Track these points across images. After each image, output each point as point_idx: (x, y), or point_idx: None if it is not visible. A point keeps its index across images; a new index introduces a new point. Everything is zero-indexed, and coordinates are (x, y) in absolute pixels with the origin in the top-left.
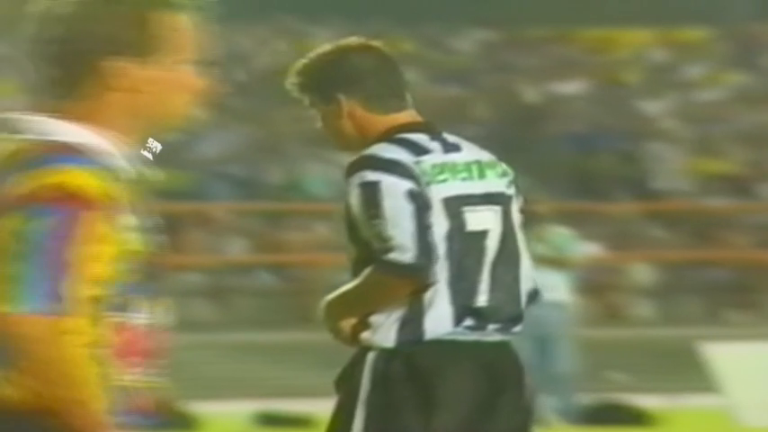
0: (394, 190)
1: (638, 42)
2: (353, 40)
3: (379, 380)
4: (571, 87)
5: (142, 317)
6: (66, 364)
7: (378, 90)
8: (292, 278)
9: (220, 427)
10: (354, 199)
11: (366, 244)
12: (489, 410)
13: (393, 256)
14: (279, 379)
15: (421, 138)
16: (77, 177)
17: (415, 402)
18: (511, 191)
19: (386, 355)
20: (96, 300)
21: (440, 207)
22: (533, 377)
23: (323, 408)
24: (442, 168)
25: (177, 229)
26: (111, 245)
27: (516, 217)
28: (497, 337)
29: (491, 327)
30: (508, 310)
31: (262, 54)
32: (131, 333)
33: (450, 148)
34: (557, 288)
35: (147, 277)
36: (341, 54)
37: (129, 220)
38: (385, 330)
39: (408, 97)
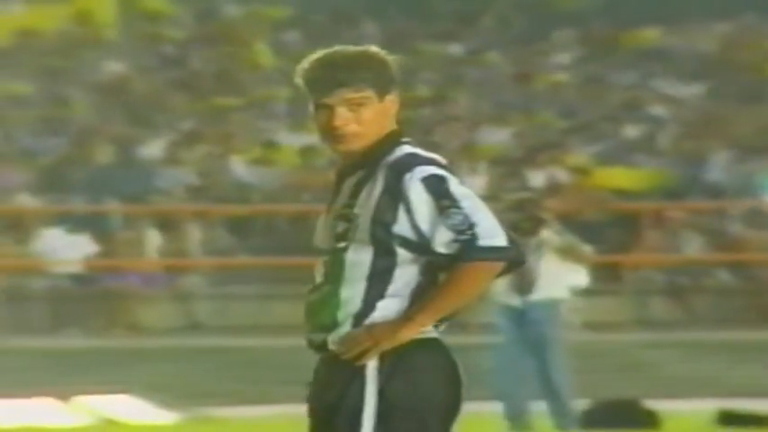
0: (457, 182)
1: None
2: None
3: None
4: None
5: None
6: None
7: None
8: (751, 277)
9: (683, 425)
10: (418, 193)
11: (398, 240)
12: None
13: (487, 241)
14: (740, 378)
15: None
16: None
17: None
18: None
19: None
20: None
21: None
22: None
23: None
24: None
25: (636, 227)
26: None
27: None
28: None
29: (441, 327)
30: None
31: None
32: None
33: None
34: None
35: None
36: (378, 53)
37: None
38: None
39: None
